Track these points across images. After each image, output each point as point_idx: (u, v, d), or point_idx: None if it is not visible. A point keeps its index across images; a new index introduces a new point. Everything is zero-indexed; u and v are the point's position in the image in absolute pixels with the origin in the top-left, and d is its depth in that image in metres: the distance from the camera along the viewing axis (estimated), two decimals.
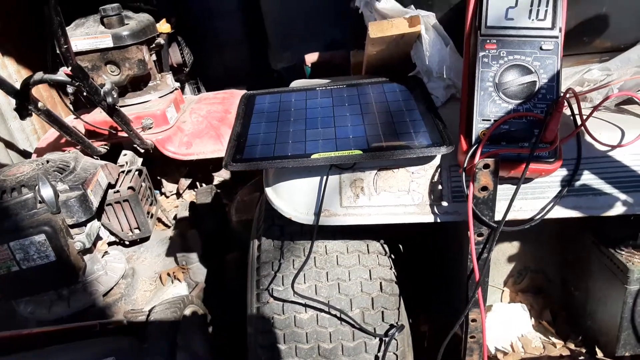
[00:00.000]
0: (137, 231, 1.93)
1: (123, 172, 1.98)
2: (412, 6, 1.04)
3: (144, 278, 1.84)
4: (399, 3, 1.05)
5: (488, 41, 0.88)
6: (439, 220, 0.96)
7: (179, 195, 2.57)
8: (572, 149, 0.92)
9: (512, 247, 1.33)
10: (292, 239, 1.10)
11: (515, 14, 0.87)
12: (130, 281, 1.78)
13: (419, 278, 1.34)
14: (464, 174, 0.88)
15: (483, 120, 0.88)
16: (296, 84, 1.38)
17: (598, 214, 0.94)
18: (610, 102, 1.00)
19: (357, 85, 1.16)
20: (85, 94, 1.77)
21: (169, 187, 2.58)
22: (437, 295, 1.38)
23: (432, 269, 1.33)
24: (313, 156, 0.91)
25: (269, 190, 1.00)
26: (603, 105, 0.96)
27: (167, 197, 2.58)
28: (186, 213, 2.21)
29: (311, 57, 1.98)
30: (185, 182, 2.55)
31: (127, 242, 1.98)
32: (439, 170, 0.95)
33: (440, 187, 0.95)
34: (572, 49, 1.04)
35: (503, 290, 1.35)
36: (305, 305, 1.02)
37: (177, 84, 2.53)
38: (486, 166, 0.84)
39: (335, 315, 1.02)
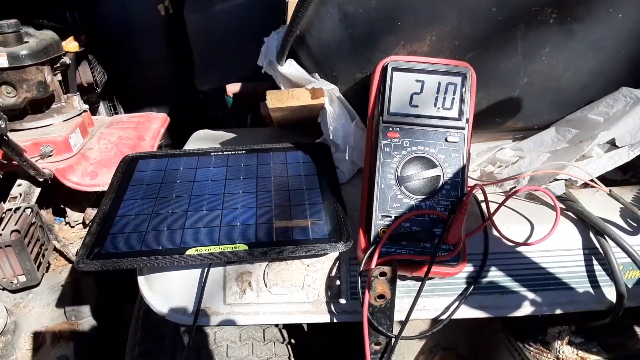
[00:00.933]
0: (22, 278, 1.70)
1: (10, 209, 1.75)
2: (317, 74, 0.93)
3: (28, 333, 1.62)
4: (303, 69, 0.94)
5: (390, 129, 0.79)
6: (335, 321, 0.86)
7: (85, 225, 2.33)
8: (479, 241, 0.86)
9: (422, 324, 1.25)
10: (177, 326, 0.96)
11: (420, 100, 0.79)
12: (11, 339, 1.56)
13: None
14: (359, 277, 0.78)
15: (383, 216, 0.78)
16: (197, 136, 1.24)
17: (505, 315, 0.87)
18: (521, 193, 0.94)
19: (258, 151, 1.04)
20: None
21: (74, 216, 2.33)
22: None
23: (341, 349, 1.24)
24: (188, 252, 0.78)
25: (141, 281, 0.85)
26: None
27: (72, 227, 2.34)
28: None
29: (233, 88, 1.86)
30: (92, 211, 2.31)
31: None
32: (337, 264, 0.85)
33: (338, 282, 0.85)
34: (484, 128, 0.98)
35: None
36: None
37: (86, 106, 2.31)
38: (383, 274, 0.75)
39: None
